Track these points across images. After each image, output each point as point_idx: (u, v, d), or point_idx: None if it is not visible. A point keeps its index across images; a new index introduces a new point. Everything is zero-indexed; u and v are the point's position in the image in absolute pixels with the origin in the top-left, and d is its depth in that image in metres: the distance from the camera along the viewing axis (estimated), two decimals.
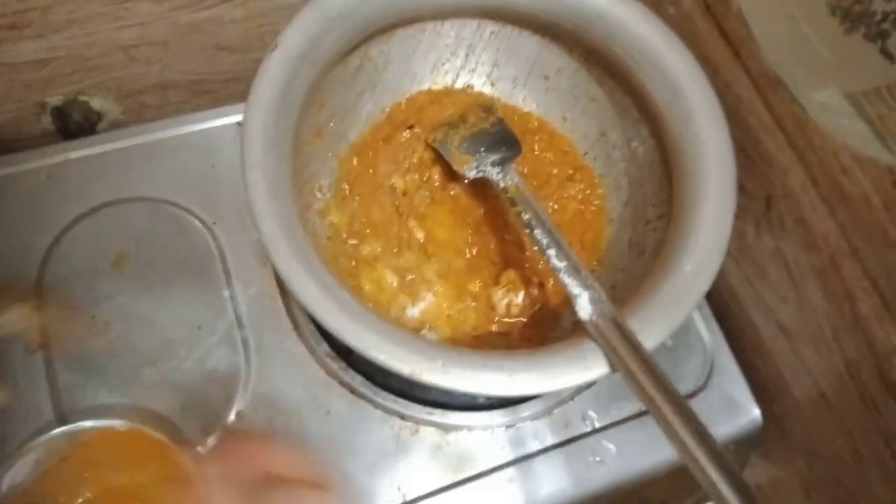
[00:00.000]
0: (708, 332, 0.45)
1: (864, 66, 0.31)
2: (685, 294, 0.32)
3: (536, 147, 0.44)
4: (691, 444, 0.27)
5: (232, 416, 0.38)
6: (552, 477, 0.39)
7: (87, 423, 0.34)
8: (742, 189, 0.35)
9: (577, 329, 0.33)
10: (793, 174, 0.37)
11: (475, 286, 0.40)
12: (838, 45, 0.32)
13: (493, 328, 0.40)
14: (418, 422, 0.39)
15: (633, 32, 0.38)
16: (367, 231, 0.41)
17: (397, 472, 0.38)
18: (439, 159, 0.43)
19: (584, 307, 0.32)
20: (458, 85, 0.45)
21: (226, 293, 0.41)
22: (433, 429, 0.39)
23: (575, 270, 0.33)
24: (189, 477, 0.33)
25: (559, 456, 0.40)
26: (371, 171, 0.42)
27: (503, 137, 0.42)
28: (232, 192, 0.43)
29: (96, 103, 0.48)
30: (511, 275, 0.40)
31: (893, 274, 0.33)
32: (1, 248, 0.40)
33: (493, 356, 0.31)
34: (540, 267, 0.41)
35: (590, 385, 0.42)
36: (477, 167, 0.40)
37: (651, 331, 0.31)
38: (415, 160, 0.43)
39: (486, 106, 0.44)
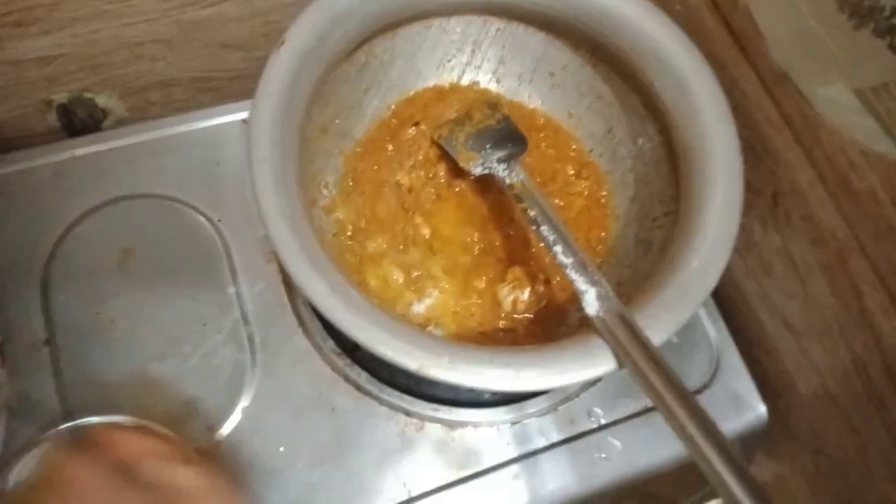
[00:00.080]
0: (714, 328, 0.44)
1: (872, 61, 0.31)
2: (692, 291, 0.32)
3: (542, 144, 0.44)
4: (700, 439, 0.27)
5: (237, 413, 0.38)
6: (557, 473, 0.39)
7: (94, 419, 0.34)
8: (749, 185, 0.35)
9: (584, 325, 0.33)
10: (800, 170, 0.37)
11: (481, 283, 0.40)
12: (846, 41, 0.32)
13: (499, 325, 0.40)
14: (424, 418, 0.39)
15: (640, 29, 0.38)
16: (373, 228, 0.41)
17: (402, 469, 0.38)
18: (445, 156, 0.42)
19: (592, 303, 0.32)
20: (464, 82, 0.45)
21: (231, 290, 0.41)
22: (438, 425, 0.39)
23: (582, 266, 0.33)
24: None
25: (564, 452, 0.40)
26: (376, 167, 0.42)
27: (509, 134, 0.42)
28: (237, 189, 0.43)
29: (101, 100, 0.48)
30: (517, 271, 0.40)
31: None
32: (7, 244, 0.40)
33: (499, 352, 0.31)
34: (545, 264, 0.41)
35: (595, 382, 0.42)
36: (483, 164, 0.40)
37: (658, 327, 0.31)
38: (420, 157, 0.43)
39: (492, 103, 0.44)
